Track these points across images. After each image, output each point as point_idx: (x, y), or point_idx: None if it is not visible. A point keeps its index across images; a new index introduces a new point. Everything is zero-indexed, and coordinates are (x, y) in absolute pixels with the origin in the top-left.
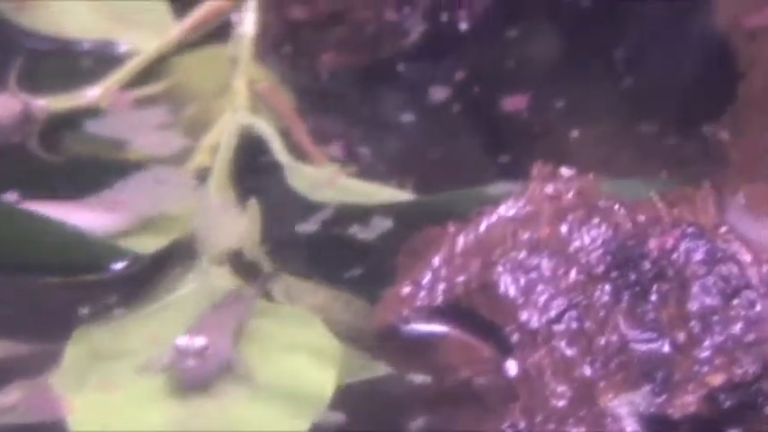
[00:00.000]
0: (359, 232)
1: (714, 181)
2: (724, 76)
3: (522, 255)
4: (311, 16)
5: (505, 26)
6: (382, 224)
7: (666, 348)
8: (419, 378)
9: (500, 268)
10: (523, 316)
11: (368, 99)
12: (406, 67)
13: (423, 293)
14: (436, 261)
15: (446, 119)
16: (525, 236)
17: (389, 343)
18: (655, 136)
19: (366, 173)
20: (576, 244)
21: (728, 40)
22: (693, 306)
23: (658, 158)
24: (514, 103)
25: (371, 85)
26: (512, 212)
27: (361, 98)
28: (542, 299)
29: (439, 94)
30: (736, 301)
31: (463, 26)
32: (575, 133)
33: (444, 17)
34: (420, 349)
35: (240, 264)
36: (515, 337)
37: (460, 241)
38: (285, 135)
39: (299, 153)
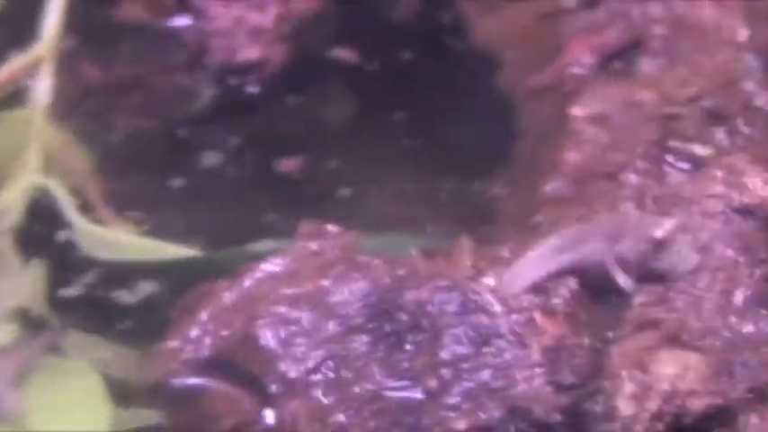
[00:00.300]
0: (139, 289)
1: (485, 235)
2: (505, 134)
3: (284, 309)
4: (107, 80)
5: (294, 90)
6: (159, 283)
7: (419, 396)
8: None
9: (261, 322)
10: (282, 367)
11: (161, 160)
12: (197, 129)
13: (190, 347)
14: (203, 316)
15: (236, 179)
16: (288, 291)
17: (160, 394)
18: (438, 192)
19: (157, 232)
20: (336, 298)
21: (511, 99)
22: (446, 355)
23: (440, 214)
24: (290, 164)
25: (165, 146)
26: (277, 269)
27: (154, 160)
28: (301, 350)
29: (229, 155)
30: (486, 350)
31: (253, 90)
32: (362, 192)
33: (234, 81)
34: (187, 400)
35: (27, 320)
36: (274, 388)
37: (227, 297)
38: (80, 195)
39: (92, 213)
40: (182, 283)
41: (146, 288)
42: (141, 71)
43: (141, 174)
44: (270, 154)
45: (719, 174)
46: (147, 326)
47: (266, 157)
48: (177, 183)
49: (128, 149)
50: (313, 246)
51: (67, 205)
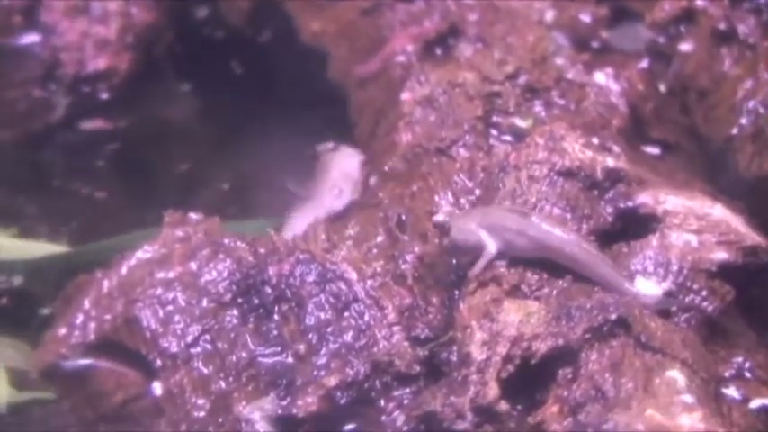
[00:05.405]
0: (19, 286)
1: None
2: (341, 121)
3: (159, 291)
4: None
5: (144, 92)
6: (36, 279)
7: (290, 359)
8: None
9: (140, 304)
10: (164, 343)
11: (21, 168)
12: (55, 136)
13: (77, 332)
14: (85, 303)
15: (98, 178)
16: (161, 275)
17: (53, 377)
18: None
19: (28, 232)
20: (206, 277)
21: (342, 88)
22: (310, 321)
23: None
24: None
25: (29, 155)
26: (148, 255)
27: (20, 168)
28: (180, 327)
29: (92, 156)
30: (346, 314)
31: (104, 96)
32: (220, 184)
33: (86, 89)
34: (79, 380)
35: None
36: (158, 363)
37: (105, 284)
38: None
39: None
40: (57, 277)
41: (24, 284)
42: None
43: (11, 181)
44: (125, 154)
45: (541, 141)
46: (32, 319)
47: (122, 157)
48: (47, 186)
49: None
50: (179, 232)
51: None
